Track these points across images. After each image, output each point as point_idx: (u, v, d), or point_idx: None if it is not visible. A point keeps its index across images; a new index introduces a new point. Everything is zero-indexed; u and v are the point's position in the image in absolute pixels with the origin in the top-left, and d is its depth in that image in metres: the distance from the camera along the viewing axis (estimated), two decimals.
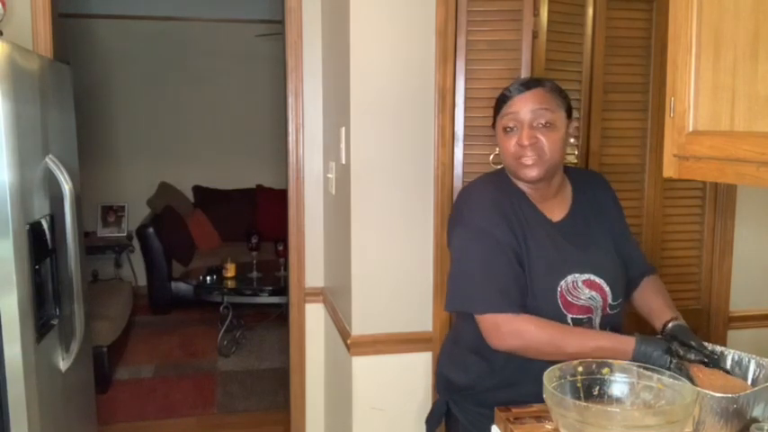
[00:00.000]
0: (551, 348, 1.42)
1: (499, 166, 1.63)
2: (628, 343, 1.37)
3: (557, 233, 1.55)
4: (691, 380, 1.27)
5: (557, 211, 1.58)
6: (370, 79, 2.00)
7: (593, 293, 1.51)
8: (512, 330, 1.44)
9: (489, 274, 1.48)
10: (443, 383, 1.70)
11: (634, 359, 1.35)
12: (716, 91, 1.08)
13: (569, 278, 1.50)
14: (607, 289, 1.53)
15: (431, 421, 1.73)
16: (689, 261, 2.36)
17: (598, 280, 1.52)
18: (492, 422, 1.47)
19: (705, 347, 1.38)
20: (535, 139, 1.48)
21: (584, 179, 1.67)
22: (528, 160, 1.49)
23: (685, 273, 2.36)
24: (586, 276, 1.52)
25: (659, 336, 1.50)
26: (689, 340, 1.39)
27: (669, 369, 1.29)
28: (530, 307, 1.47)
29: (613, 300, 1.54)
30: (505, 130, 1.52)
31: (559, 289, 1.49)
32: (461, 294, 1.52)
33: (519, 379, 1.51)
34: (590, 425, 1.11)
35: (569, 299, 1.50)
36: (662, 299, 1.62)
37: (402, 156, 2.04)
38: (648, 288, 1.67)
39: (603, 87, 2.16)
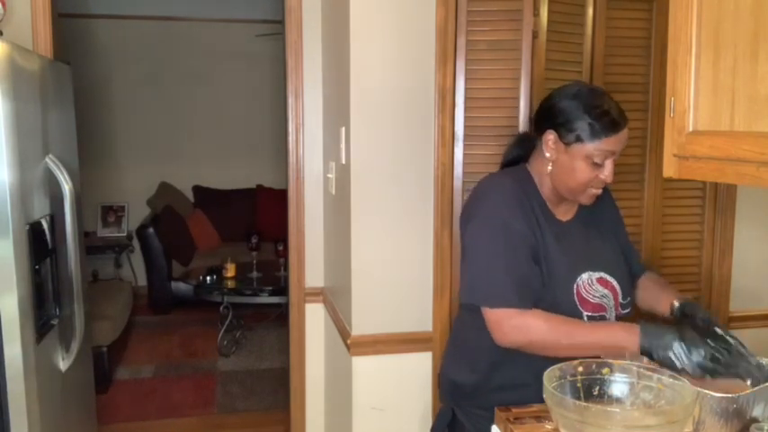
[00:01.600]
0: (557, 344, 1.41)
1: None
2: (632, 333, 1.36)
3: (567, 233, 1.56)
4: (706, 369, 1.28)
5: (567, 213, 1.60)
6: (370, 79, 2.00)
7: (606, 291, 1.52)
8: (517, 325, 1.43)
9: (507, 269, 1.45)
10: (448, 387, 1.68)
11: (642, 351, 1.34)
12: (716, 91, 1.08)
13: (585, 276, 1.51)
14: (618, 287, 1.54)
15: (435, 430, 1.71)
16: (689, 261, 2.36)
17: (610, 278, 1.54)
18: None
19: (716, 322, 1.38)
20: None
21: None
22: (599, 191, 1.51)
23: (685, 273, 2.36)
24: (599, 274, 1.53)
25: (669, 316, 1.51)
26: (698, 312, 1.41)
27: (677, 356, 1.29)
28: (548, 303, 1.46)
29: (623, 298, 1.55)
30: (593, 163, 1.46)
31: (576, 286, 1.50)
32: (477, 286, 1.49)
33: (526, 379, 1.51)
34: (590, 425, 1.11)
35: (584, 296, 1.50)
36: (666, 287, 1.64)
37: (402, 156, 2.04)
38: (650, 280, 1.69)
39: (603, 87, 2.16)
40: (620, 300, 1.54)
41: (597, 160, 1.45)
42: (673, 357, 1.29)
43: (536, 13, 2.00)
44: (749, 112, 1.01)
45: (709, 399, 1.18)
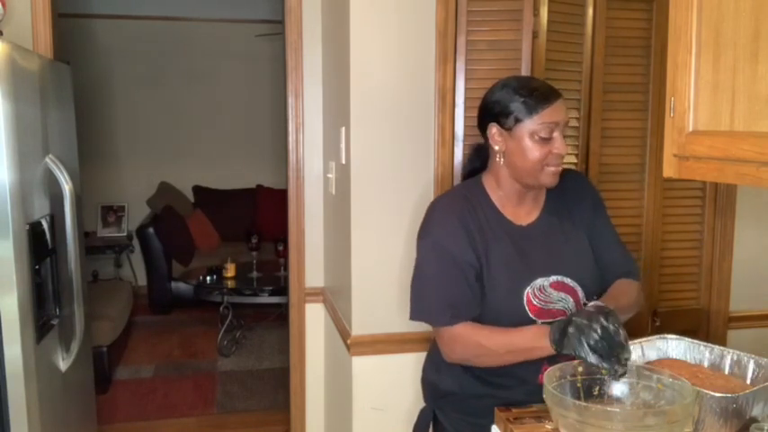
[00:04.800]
0: (479, 350, 1.47)
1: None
2: (541, 333, 1.38)
3: (524, 239, 1.55)
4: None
5: (528, 215, 1.59)
6: (370, 79, 2.00)
7: (563, 295, 1.51)
8: (448, 340, 1.50)
9: (441, 289, 1.51)
10: (428, 389, 1.70)
11: (557, 349, 1.33)
12: (716, 91, 1.08)
13: (536, 283, 1.51)
14: (578, 289, 1.53)
15: (417, 430, 1.72)
16: (689, 261, 2.36)
17: (567, 281, 1.52)
18: (479, 429, 1.50)
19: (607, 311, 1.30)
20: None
21: (561, 181, 1.59)
22: (558, 168, 1.50)
23: (685, 273, 2.36)
24: (554, 279, 1.52)
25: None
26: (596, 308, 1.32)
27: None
28: (494, 316, 1.49)
29: (587, 299, 1.53)
30: (540, 138, 1.47)
31: (526, 295, 1.49)
32: (420, 306, 1.55)
33: (503, 384, 1.53)
34: (590, 425, 1.11)
35: (537, 304, 1.50)
36: (617, 296, 1.54)
37: (402, 156, 2.04)
38: (612, 289, 1.59)
39: (603, 87, 2.16)
40: (583, 300, 1.53)
41: (543, 135, 1.47)
42: (577, 346, 1.27)
43: (536, 13, 2.00)
44: (749, 112, 1.01)
45: (708, 398, 1.18)
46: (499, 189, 1.57)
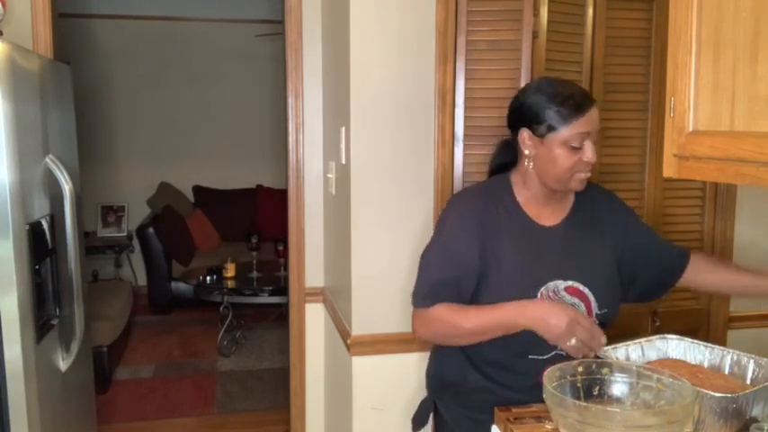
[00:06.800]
0: (451, 329, 1.49)
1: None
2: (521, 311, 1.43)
3: (543, 239, 1.55)
4: None
5: (552, 216, 1.59)
6: (370, 79, 2.00)
7: (576, 300, 1.51)
8: (422, 321, 1.53)
9: (431, 273, 1.54)
10: (430, 380, 1.73)
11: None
12: (716, 91, 1.08)
13: (551, 284, 1.51)
14: (591, 297, 1.53)
15: (416, 420, 1.75)
16: None
17: (582, 287, 1.52)
18: (476, 425, 1.52)
19: None
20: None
21: (591, 193, 1.63)
22: (588, 175, 1.51)
23: None
24: (569, 283, 1.52)
25: None
26: None
27: None
28: None
29: (599, 309, 1.53)
30: (571, 147, 1.47)
31: (539, 295, 1.50)
32: (414, 290, 1.59)
33: (502, 380, 1.54)
34: (590, 425, 1.11)
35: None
36: (726, 266, 1.74)
37: (402, 156, 2.04)
38: (710, 262, 1.71)
39: (603, 87, 2.16)
40: (595, 311, 1.53)
41: (574, 144, 1.47)
42: None
43: (536, 13, 2.00)
44: (749, 112, 1.01)
45: (708, 398, 1.18)
46: (525, 189, 1.57)
